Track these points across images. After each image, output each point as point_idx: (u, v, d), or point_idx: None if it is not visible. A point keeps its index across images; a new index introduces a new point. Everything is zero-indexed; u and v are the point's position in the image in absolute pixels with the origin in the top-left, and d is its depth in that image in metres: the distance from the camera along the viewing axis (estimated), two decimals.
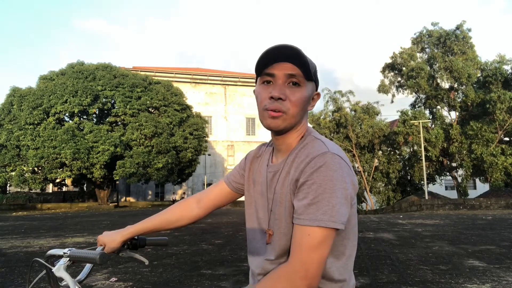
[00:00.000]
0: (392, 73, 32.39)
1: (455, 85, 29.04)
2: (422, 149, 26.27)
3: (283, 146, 1.01)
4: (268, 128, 0.97)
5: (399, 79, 32.04)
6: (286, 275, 0.85)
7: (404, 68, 30.88)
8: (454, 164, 29.46)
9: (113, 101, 27.20)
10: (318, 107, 36.58)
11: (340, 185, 0.86)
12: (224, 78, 42.81)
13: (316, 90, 1.02)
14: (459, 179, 29.15)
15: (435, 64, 29.67)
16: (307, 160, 0.91)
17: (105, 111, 27.77)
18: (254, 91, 1.02)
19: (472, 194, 31.51)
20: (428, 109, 30.96)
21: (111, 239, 1.15)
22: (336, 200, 0.85)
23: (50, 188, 36.64)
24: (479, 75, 28.34)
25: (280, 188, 0.96)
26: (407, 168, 30.39)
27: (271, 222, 0.99)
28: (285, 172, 0.97)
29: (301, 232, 0.86)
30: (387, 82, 32.42)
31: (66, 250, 1.03)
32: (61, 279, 1.02)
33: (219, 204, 1.23)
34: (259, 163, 1.10)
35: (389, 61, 32.14)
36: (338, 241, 0.94)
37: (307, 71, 0.93)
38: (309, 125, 1.08)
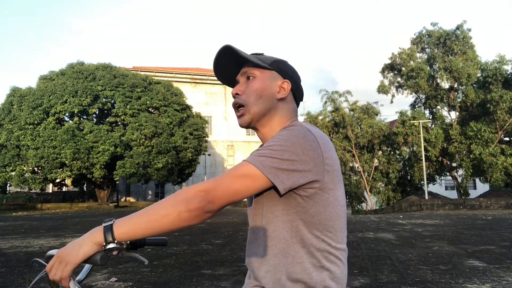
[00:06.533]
0: (391, 74, 32.36)
1: (455, 85, 29.03)
2: (422, 149, 26.26)
3: (267, 138, 1.03)
4: (240, 127, 1.03)
5: (399, 79, 32.02)
6: (198, 185, 0.83)
7: (403, 69, 30.86)
8: (454, 164, 29.45)
9: (113, 101, 27.18)
10: (317, 107, 36.54)
11: (291, 148, 0.85)
12: None
13: (285, 78, 1.02)
14: (459, 179, 29.15)
15: (435, 64, 29.66)
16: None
17: (105, 111, 27.76)
18: None
19: (472, 194, 31.49)
20: (428, 109, 30.95)
21: None
22: (280, 156, 0.84)
23: (50, 188, 36.61)
24: (479, 75, 28.33)
25: None
26: (407, 168, 30.37)
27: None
28: None
29: (236, 164, 0.89)
30: (386, 82, 32.39)
31: None
32: None
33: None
34: None
35: (388, 61, 32.16)
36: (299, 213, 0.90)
37: (252, 62, 0.99)
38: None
